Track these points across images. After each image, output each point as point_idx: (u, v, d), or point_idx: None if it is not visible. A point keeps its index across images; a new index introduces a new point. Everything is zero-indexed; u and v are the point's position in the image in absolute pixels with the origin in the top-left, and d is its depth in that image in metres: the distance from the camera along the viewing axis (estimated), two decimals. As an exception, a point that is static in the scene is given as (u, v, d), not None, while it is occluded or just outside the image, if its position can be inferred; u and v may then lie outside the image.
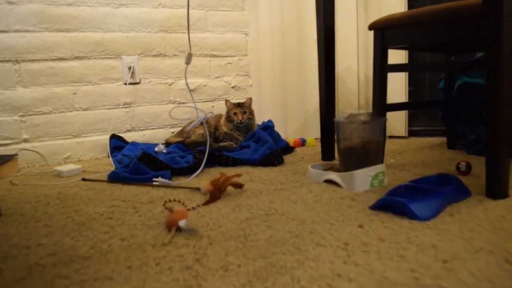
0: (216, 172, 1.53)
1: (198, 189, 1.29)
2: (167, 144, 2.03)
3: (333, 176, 1.30)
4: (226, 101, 2.05)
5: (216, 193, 1.19)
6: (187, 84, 1.49)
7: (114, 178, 1.48)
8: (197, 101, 2.29)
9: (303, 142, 2.13)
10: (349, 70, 2.30)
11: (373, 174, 1.23)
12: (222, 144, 1.91)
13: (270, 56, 2.37)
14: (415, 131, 2.32)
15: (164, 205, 1.13)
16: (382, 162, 1.31)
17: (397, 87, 2.24)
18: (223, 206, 1.12)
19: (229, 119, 2.01)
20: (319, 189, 1.25)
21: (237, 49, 2.41)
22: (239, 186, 1.27)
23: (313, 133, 2.34)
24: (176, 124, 2.27)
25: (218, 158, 1.67)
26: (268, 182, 1.38)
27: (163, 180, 1.39)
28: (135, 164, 1.47)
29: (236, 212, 1.06)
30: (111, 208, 1.15)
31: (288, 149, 1.93)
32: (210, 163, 1.66)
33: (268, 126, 1.96)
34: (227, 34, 2.38)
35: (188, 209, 1.09)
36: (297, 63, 2.34)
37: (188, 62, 1.43)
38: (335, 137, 1.45)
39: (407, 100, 2.25)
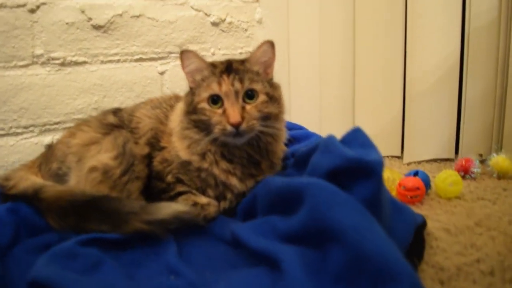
0: None
1: None
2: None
3: None
4: (184, 52, 0.58)
5: None
6: None
7: None
8: (121, 57, 0.85)
9: (427, 187, 0.70)
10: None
11: None
12: (165, 210, 0.50)
13: None
14: None
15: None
16: None
17: None
18: None
19: (195, 117, 0.57)
20: None
21: None
22: None
23: (429, 147, 0.94)
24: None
25: None
26: None
27: None
28: None
29: None
30: None
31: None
32: None
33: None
34: None
35: None
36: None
37: None
38: None
39: None
